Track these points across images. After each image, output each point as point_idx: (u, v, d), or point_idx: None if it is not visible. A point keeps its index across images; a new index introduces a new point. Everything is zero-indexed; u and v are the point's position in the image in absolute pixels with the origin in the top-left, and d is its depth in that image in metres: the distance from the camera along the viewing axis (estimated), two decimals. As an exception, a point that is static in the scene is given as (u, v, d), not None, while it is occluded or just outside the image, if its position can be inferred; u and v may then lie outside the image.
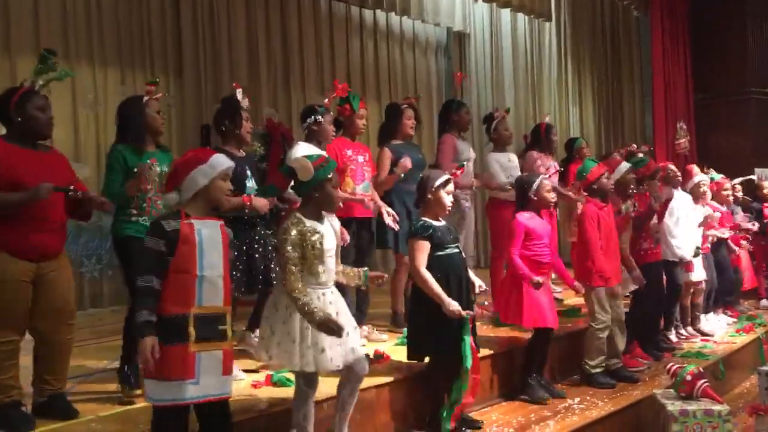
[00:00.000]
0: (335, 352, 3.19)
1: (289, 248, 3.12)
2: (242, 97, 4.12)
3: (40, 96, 3.27)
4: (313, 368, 3.18)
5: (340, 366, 3.24)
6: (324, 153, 3.79)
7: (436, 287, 3.68)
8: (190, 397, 2.72)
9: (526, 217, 4.50)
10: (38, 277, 3.20)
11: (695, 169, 6.63)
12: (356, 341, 3.34)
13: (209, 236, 2.81)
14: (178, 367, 2.68)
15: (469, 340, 3.68)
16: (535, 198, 4.52)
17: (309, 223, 3.19)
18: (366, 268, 3.51)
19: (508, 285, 4.59)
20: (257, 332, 4.08)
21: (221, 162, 2.90)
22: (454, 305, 3.65)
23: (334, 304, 3.26)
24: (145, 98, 3.70)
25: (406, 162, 4.80)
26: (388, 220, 4.73)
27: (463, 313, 3.65)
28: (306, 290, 3.11)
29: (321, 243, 3.19)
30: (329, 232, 3.29)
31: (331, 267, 3.28)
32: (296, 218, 3.20)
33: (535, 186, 4.52)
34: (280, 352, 3.19)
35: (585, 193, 4.96)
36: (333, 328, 3.02)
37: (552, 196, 4.67)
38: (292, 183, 3.37)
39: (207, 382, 2.74)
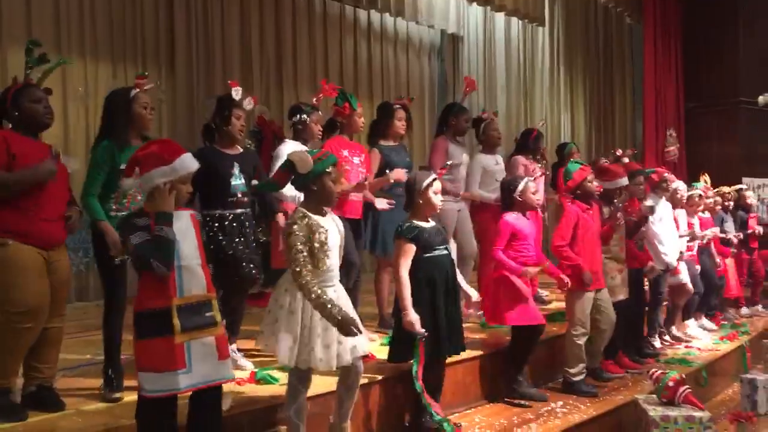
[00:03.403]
0: (331, 351, 3.19)
1: (298, 243, 3.12)
2: (240, 96, 4.11)
3: (35, 88, 3.33)
4: (304, 366, 3.19)
5: (333, 366, 3.24)
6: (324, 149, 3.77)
7: (407, 294, 3.66)
8: (185, 386, 2.72)
9: (513, 218, 4.53)
10: (48, 265, 3.25)
11: (671, 176, 6.67)
12: (358, 340, 3.30)
13: (180, 227, 2.79)
14: (166, 359, 2.69)
15: (417, 359, 3.67)
16: (521, 199, 4.55)
17: (314, 218, 3.20)
18: None
19: (493, 286, 4.61)
20: (234, 346, 4.08)
21: (184, 166, 2.82)
22: (413, 318, 3.63)
23: (337, 302, 3.24)
24: (134, 91, 3.65)
25: (401, 174, 4.74)
26: (383, 205, 4.73)
27: (420, 331, 3.63)
28: (318, 284, 3.12)
29: (326, 238, 3.19)
30: (332, 227, 3.30)
31: (334, 263, 3.28)
32: (301, 212, 3.20)
33: (520, 188, 4.55)
34: (274, 347, 3.21)
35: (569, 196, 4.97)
36: (351, 329, 3.04)
37: (537, 198, 4.70)
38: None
39: (201, 370, 2.75)
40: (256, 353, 4.32)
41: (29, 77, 3.38)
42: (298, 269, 3.09)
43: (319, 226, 3.18)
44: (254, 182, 4.07)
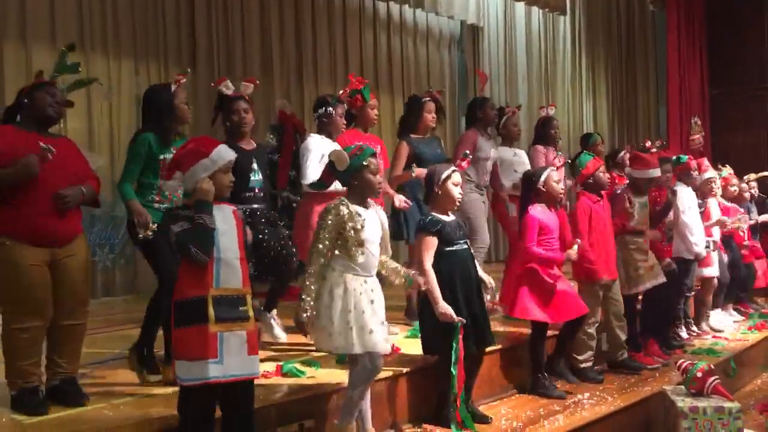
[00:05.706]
0: (379, 335, 3.23)
1: (323, 224, 3.21)
2: (230, 90, 4.13)
3: (55, 87, 3.29)
4: (359, 350, 3.19)
5: (387, 350, 3.29)
6: (361, 143, 3.78)
7: (435, 286, 3.65)
8: (214, 377, 2.76)
9: (538, 211, 4.47)
10: (53, 262, 3.21)
11: (705, 163, 6.56)
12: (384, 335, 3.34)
13: (223, 220, 2.87)
14: (200, 347, 2.75)
15: (457, 347, 3.64)
16: (544, 189, 4.50)
17: (353, 208, 3.25)
18: (413, 272, 3.54)
19: (516, 279, 4.57)
20: (274, 312, 4.31)
21: (222, 156, 2.92)
22: (446, 308, 3.62)
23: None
24: (174, 87, 3.70)
25: (422, 171, 4.70)
26: (401, 204, 4.74)
27: (456, 318, 3.62)
28: (318, 270, 3.20)
29: (362, 227, 3.23)
30: (373, 220, 3.33)
31: (372, 256, 3.31)
32: (341, 201, 3.26)
33: (543, 178, 4.49)
34: (325, 336, 3.23)
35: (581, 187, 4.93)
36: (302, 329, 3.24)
37: (560, 188, 4.64)
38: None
39: (231, 363, 2.80)
40: (285, 348, 4.35)
41: (54, 79, 3.34)
42: (312, 246, 3.21)
43: (357, 216, 3.23)
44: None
